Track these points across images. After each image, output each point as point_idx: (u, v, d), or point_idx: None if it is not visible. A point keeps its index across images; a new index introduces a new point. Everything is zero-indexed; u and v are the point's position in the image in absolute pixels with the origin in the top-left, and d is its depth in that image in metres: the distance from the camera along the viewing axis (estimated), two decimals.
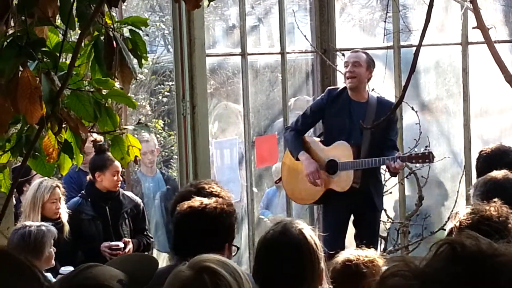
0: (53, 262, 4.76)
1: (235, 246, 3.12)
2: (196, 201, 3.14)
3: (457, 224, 3.01)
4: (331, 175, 5.98)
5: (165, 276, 2.25)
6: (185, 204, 3.12)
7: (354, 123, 5.96)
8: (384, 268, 3.08)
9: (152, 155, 6.82)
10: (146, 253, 5.66)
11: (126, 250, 5.55)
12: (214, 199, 3.19)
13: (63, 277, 2.36)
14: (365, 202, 5.95)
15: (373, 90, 6.61)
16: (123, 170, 6.12)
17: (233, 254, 3.14)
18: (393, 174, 6.06)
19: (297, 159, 6.06)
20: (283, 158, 6.35)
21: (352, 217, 6.10)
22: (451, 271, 1.04)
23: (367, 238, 5.72)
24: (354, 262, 3.08)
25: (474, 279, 1.03)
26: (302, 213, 7.08)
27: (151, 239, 5.98)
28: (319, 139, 6.19)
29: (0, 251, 1.00)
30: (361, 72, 5.99)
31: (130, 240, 5.64)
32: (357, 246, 5.76)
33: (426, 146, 6.58)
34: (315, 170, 5.95)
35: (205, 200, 3.15)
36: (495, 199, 3.05)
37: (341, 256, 3.17)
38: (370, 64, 6.08)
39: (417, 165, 6.16)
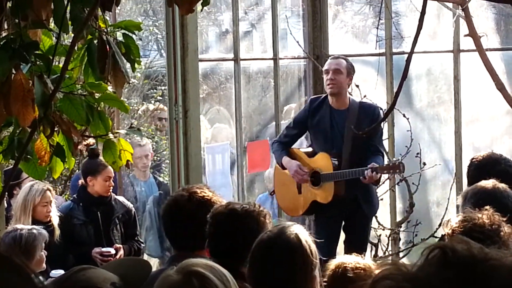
0: (44, 265, 4.75)
1: None
2: (236, 204, 3.13)
3: (450, 231, 3.02)
4: (315, 186, 5.99)
5: (156, 280, 2.26)
6: (222, 207, 3.10)
7: (335, 131, 5.98)
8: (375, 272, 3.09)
9: (146, 159, 6.82)
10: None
11: (117, 256, 5.54)
12: (248, 201, 3.20)
13: (56, 279, 2.35)
14: (353, 209, 5.95)
15: (365, 96, 6.62)
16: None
17: None
18: (373, 183, 6.00)
19: (283, 168, 6.09)
20: (274, 171, 6.38)
21: (343, 223, 6.11)
22: (442, 276, 1.05)
23: (356, 244, 5.73)
24: (344, 265, 3.10)
25: (465, 283, 1.04)
26: (294, 220, 7.08)
27: (142, 244, 5.98)
28: (305, 151, 6.20)
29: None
30: (342, 79, 5.99)
31: (121, 246, 5.64)
32: (346, 251, 5.77)
33: (417, 153, 6.60)
34: (297, 168, 5.97)
35: (244, 203, 3.15)
36: (487, 207, 3.05)
37: (335, 261, 3.18)
38: (350, 71, 6.07)
39: (389, 176, 6.15)
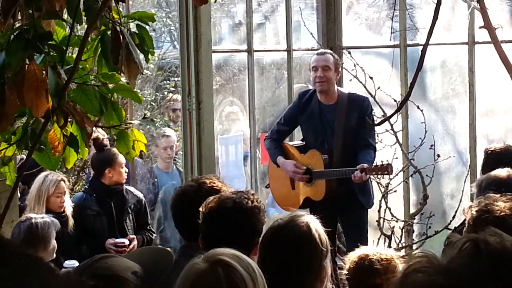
0: (54, 254, 4.78)
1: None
2: (227, 197, 3.07)
3: (471, 222, 3.01)
4: (308, 183, 5.96)
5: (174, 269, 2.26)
6: (213, 201, 3.06)
7: (325, 127, 5.95)
8: (402, 265, 3.07)
9: (171, 150, 6.83)
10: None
11: (131, 247, 5.56)
12: (244, 193, 3.14)
13: (78, 266, 2.37)
14: (350, 202, 5.86)
15: (378, 88, 6.60)
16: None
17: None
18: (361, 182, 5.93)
19: (278, 166, 6.07)
20: (268, 166, 6.37)
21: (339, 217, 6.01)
22: (475, 268, 1.05)
23: (355, 237, 5.64)
24: (369, 257, 3.07)
25: (498, 275, 1.04)
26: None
27: (154, 234, 6.00)
28: (297, 145, 6.17)
29: (15, 246, 1.00)
30: (331, 75, 5.95)
31: (135, 237, 5.66)
32: (347, 245, 5.74)
33: (432, 145, 6.57)
34: (295, 168, 5.94)
35: (236, 195, 3.10)
36: (510, 196, 3.04)
37: (359, 251, 3.16)
38: (338, 65, 6.06)
39: (378, 177, 6.08)
